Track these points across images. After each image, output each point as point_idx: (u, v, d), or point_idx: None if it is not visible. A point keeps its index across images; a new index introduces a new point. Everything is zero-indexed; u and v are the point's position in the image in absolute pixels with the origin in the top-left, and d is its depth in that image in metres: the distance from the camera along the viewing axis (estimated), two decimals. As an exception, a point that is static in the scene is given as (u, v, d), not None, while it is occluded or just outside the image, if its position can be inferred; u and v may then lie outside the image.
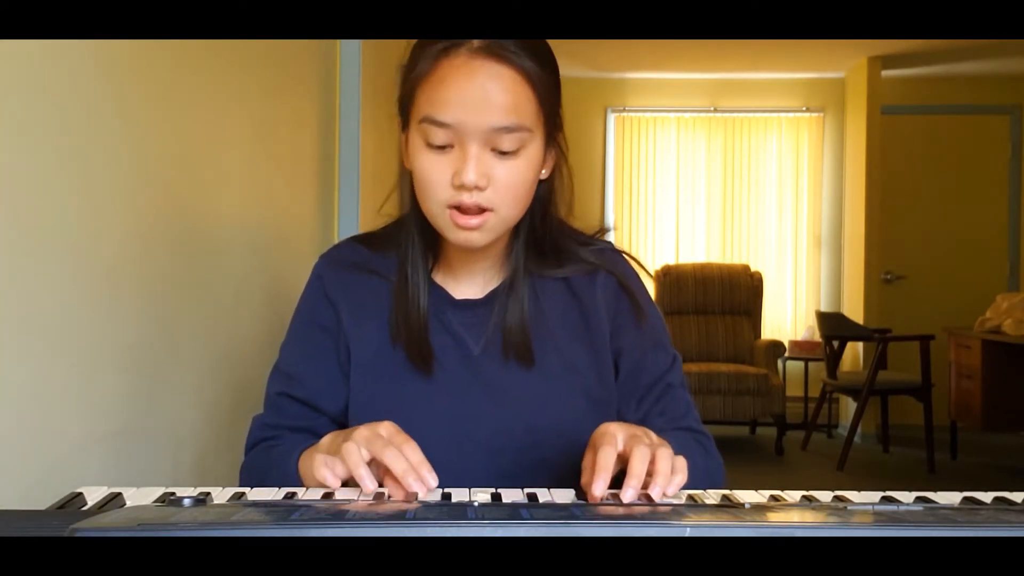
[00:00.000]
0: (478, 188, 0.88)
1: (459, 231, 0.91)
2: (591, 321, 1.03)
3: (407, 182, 0.99)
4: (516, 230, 1.00)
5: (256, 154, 1.71)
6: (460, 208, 0.89)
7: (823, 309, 5.59)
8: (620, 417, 1.02)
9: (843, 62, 5.56)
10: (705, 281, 5.36)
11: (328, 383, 1.01)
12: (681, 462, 0.78)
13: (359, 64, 2.37)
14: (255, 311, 1.72)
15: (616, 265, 1.05)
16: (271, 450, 0.99)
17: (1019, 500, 0.77)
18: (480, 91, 0.86)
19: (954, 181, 5.87)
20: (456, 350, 0.99)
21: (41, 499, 0.91)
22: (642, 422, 0.99)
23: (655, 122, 5.97)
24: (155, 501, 0.72)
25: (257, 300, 1.74)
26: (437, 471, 0.80)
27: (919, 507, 0.64)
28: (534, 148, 0.91)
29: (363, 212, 2.41)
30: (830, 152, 5.94)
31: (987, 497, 0.78)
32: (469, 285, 1.02)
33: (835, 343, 4.94)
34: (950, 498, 0.78)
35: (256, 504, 0.66)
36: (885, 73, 5.49)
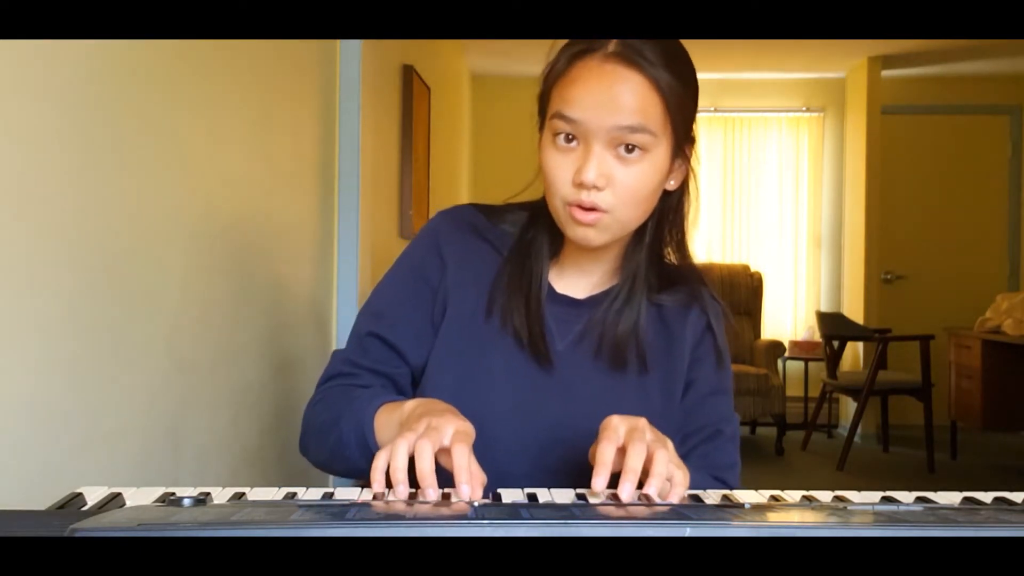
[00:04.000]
0: (596, 188, 0.90)
1: (576, 227, 0.93)
2: (674, 351, 1.04)
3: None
4: (638, 238, 1.01)
5: (256, 154, 1.71)
6: (580, 206, 0.91)
7: (823, 309, 5.59)
8: None
9: (843, 62, 5.56)
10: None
11: (417, 333, 1.03)
12: (683, 475, 0.77)
13: (359, 64, 2.36)
14: (255, 311, 1.72)
15: (711, 308, 1.07)
16: (351, 389, 1.00)
17: (1019, 500, 0.77)
18: (608, 92, 0.89)
19: (954, 181, 5.87)
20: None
21: (41, 499, 0.91)
22: (683, 459, 1.00)
23: (655, 122, 5.97)
24: (155, 501, 0.72)
25: (257, 300, 1.74)
26: (493, 448, 0.83)
27: (919, 507, 0.64)
28: (659, 155, 0.92)
29: (363, 212, 2.41)
30: (830, 152, 5.94)
31: (987, 497, 0.78)
32: (573, 283, 1.04)
33: (835, 343, 4.95)
34: (950, 498, 0.78)
35: (256, 504, 0.66)
36: (885, 73, 5.49)
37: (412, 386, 1.05)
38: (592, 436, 0.97)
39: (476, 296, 1.02)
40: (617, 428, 0.79)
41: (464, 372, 1.00)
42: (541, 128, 0.98)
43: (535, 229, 1.03)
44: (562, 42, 0.95)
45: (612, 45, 0.89)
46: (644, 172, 0.91)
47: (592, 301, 1.03)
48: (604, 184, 0.90)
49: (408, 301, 1.04)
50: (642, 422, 0.81)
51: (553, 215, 0.96)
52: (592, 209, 0.91)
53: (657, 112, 0.90)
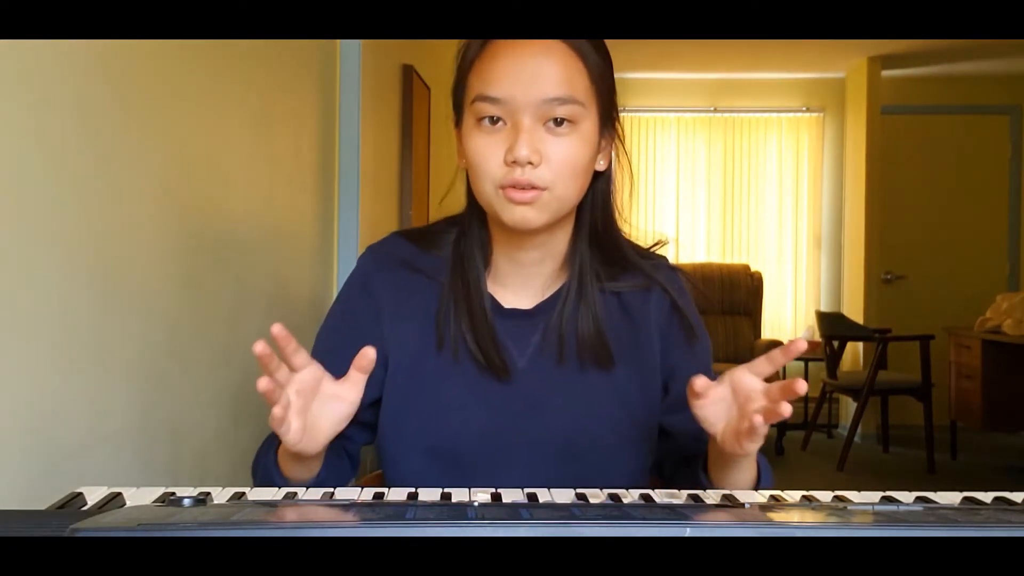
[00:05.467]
0: (531, 164, 0.86)
1: (514, 207, 0.88)
2: (641, 340, 1.00)
3: (464, 181, 0.98)
4: (576, 230, 0.98)
5: (256, 154, 1.71)
6: (513, 186, 0.87)
7: (823, 309, 5.59)
8: (672, 430, 1.02)
9: (843, 62, 5.56)
10: (705, 281, 5.36)
11: None
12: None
13: (359, 64, 2.36)
14: (255, 311, 1.72)
15: (672, 283, 1.02)
16: (274, 439, 0.98)
17: (1019, 500, 0.77)
18: (531, 64, 0.86)
19: (954, 181, 5.87)
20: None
21: (41, 499, 0.91)
22: (697, 434, 0.99)
23: (655, 122, 5.97)
24: (155, 501, 0.72)
25: (257, 300, 1.74)
26: (471, 479, 0.82)
27: (919, 507, 0.64)
28: (588, 126, 0.89)
29: (363, 212, 2.41)
30: (830, 152, 5.94)
31: (987, 497, 0.78)
32: (518, 294, 0.99)
33: (835, 343, 4.94)
34: (950, 498, 0.78)
35: (256, 504, 0.66)
36: (885, 73, 5.49)
37: (356, 423, 0.99)
38: (573, 448, 0.95)
39: (421, 331, 0.98)
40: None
41: (424, 410, 0.96)
42: (458, 122, 0.93)
43: (464, 243, 0.98)
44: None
45: None
46: (576, 145, 0.88)
47: (542, 308, 0.98)
48: (538, 160, 0.86)
49: (335, 350, 0.97)
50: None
51: (485, 205, 0.91)
52: (530, 188, 0.86)
53: (583, 81, 0.88)
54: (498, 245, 0.98)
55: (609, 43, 0.93)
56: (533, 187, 0.86)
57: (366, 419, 1.00)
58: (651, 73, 5.82)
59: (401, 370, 0.98)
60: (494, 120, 0.87)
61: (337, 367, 0.96)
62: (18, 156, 0.93)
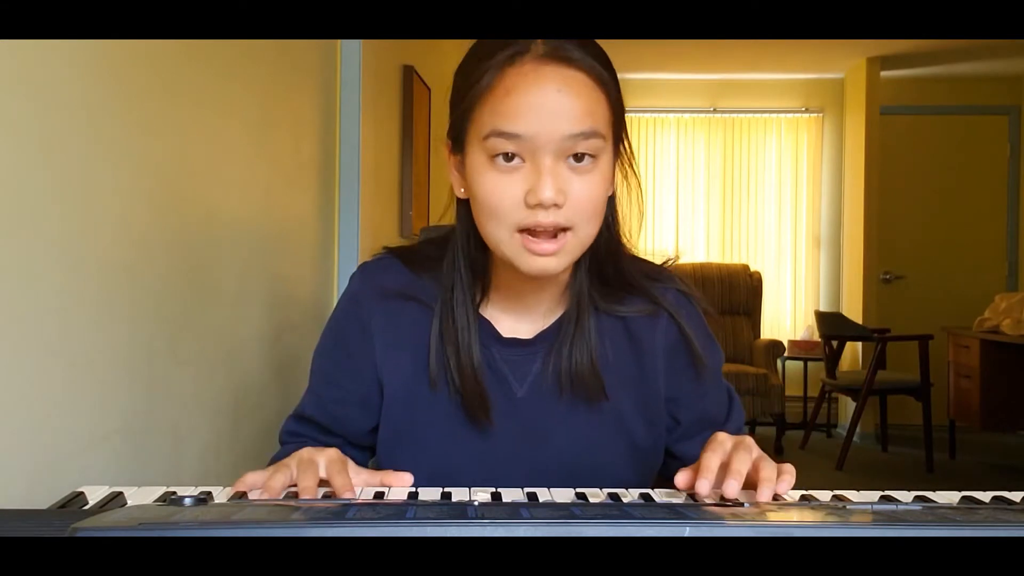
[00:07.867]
0: (556, 206, 0.80)
1: (534, 258, 0.83)
2: (646, 368, 0.97)
3: (459, 210, 0.92)
4: (577, 262, 0.92)
5: (256, 154, 1.71)
6: (533, 232, 0.82)
7: (822, 309, 5.59)
8: (684, 457, 1.02)
9: (843, 62, 5.56)
10: (705, 281, 5.36)
11: (343, 410, 0.99)
12: (788, 466, 0.79)
13: (359, 64, 2.36)
14: (255, 311, 1.72)
15: (681, 308, 0.98)
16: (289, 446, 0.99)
17: (1018, 500, 0.78)
18: (553, 97, 0.80)
19: (953, 181, 5.87)
20: (499, 390, 0.94)
21: (41, 499, 0.91)
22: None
23: (655, 123, 5.97)
24: (156, 500, 0.72)
25: (257, 300, 1.74)
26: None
27: (918, 507, 0.64)
28: (606, 159, 0.85)
29: (363, 212, 2.41)
30: (830, 152, 5.94)
31: (986, 497, 0.79)
32: (518, 322, 0.96)
33: (834, 343, 4.95)
34: (949, 498, 0.78)
35: (257, 504, 0.66)
36: (884, 73, 5.50)
37: (358, 448, 1.02)
38: (573, 478, 0.93)
39: (412, 362, 0.95)
40: (724, 443, 0.80)
41: (420, 441, 0.95)
42: (456, 150, 0.89)
43: (454, 273, 0.93)
44: (478, 52, 0.87)
45: (541, 45, 0.82)
46: (597, 180, 0.83)
47: (541, 337, 0.96)
48: (563, 201, 0.81)
49: (332, 379, 0.99)
50: (748, 439, 0.82)
51: (496, 249, 0.86)
52: (551, 235, 0.82)
53: (604, 111, 0.84)
54: (497, 276, 0.95)
55: (609, 43, 0.91)
56: (559, 229, 0.82)
57: (368, 443, 1.02)
58: (651, 73, 5.82)
59: (396, 400, 0.96)
60: (509, 157, 0.81)
61: (333, 394, 1.00)
62: (17, 157, 0.93)
